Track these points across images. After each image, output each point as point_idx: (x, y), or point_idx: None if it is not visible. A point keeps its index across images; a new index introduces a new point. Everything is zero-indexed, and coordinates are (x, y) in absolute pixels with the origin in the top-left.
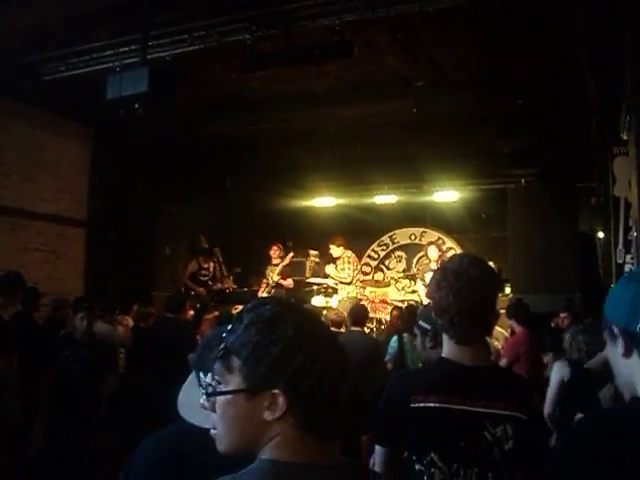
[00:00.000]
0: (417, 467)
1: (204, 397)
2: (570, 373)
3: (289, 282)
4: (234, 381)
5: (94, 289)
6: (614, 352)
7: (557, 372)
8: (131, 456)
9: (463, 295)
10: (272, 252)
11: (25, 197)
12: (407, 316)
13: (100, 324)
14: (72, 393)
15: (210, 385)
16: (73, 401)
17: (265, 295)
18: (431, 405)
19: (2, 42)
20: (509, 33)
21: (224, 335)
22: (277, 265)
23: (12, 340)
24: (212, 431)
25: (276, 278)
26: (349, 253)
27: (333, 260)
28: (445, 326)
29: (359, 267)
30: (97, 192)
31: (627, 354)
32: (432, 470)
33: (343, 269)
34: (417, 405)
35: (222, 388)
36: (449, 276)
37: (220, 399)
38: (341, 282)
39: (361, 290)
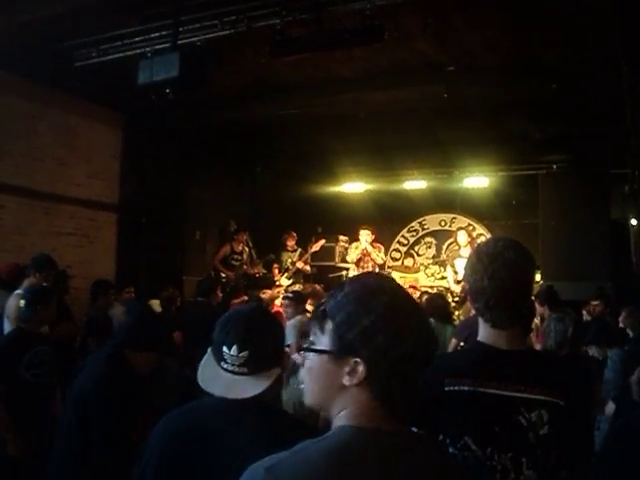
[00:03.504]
0: (451, 450)
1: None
2: None
3: (307, 268)
4: (324, 342)
5: (125, 273)
6: None
7: None
8: (148, 436)
9: (497, 278)
10: (288, 240)
11: (58, 182)
12: (433, 302)
13: (116, 306)
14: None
15: (307, 341)
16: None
17: (284, 280)
18: (465, 389)
19: (35, 29)
20: (541, 16)
21: (325, 299)
22: (295, 251)
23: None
24: (301, 385)
25: (300, 265)
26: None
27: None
28: (480, 310)
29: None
30: (128, 177)
31: None
32: (465, 454)
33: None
34: (451, 389)
35: (315, 346)
36: (484, 259)
37: (310, 355)
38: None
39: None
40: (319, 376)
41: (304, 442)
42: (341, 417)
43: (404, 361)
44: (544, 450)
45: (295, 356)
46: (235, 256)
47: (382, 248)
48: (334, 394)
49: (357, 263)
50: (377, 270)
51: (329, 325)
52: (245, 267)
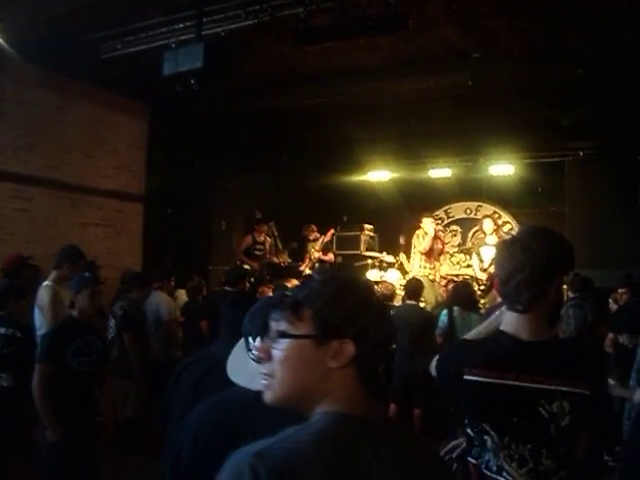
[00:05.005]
0: (471, 433)
1: (272, 343)
2: None
3: (330, 257)
4: (304, 329)
5: (152, 263)
6: None
7: None
8: (183, 424)
9: (517, 265)
10: (309, 233)
11: (85, 173)
12: (458, 290)
13: (158, 294)
14: None
15: (279, 330)
16: None
17: (308, 270)
18: (481, 380)
19: (61, 22)
20: (567, 0)
21: (290, 292)
22: (316, 240)
23: None
24: (263, 381)
25: (317, 255)
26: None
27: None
28: (503, 297)
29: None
30: (154, 168)
31: None
32: (485, 437)
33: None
34: (470, 378)
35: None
36: (508, 247)
37: (287, 344)
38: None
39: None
40: (299, 363)
41: (289, 429)
42: (324, 404)
43: (383, 344)
44: (565, 441)
45: (254, 352)
46: (257, 246)
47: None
48: (316, 381)
49: (427, 254)
50: (439, 262)
51: (307, 312)
52: (269, 257)
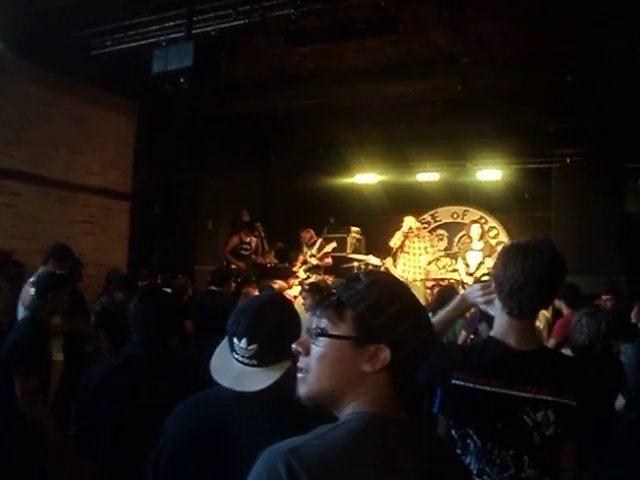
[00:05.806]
0: (454, 435)
1: (312, 339)
2: None
3: (326, 261)
4: (344, 329)
5: (137, 261)
6: None
7: None
8: (164, 422)
9: (548, 272)
10: (305, 237)
11: (73, 170)
12: (443, 294)
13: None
14: None
15: (319, 328)
16: None
17: (301, 273)
18: (470, 385)
19: (51, 17)
20: (557, 8)
21: (335, 290)
22: (312, 245)
23: None
24: (299, 375)
25: (315, 262)
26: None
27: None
28: (509, 299)
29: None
30: (142, 166)
31: None
32: (467, 441)
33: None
34: (457, 382)
35: (333, 333)
36: (538, 252)
37: (325, 342)
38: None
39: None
40: (335, 363)
41: (321, 427)
42: (355, 404)
43: (420, 350)
44: (551, 450)
45: (293, 346)
46: (244, 246)
47: (426, 237)
48: (349, 381)
49: (399, 248)
50: (417, 258)
51: (349, 313)
52: (254, 257)
